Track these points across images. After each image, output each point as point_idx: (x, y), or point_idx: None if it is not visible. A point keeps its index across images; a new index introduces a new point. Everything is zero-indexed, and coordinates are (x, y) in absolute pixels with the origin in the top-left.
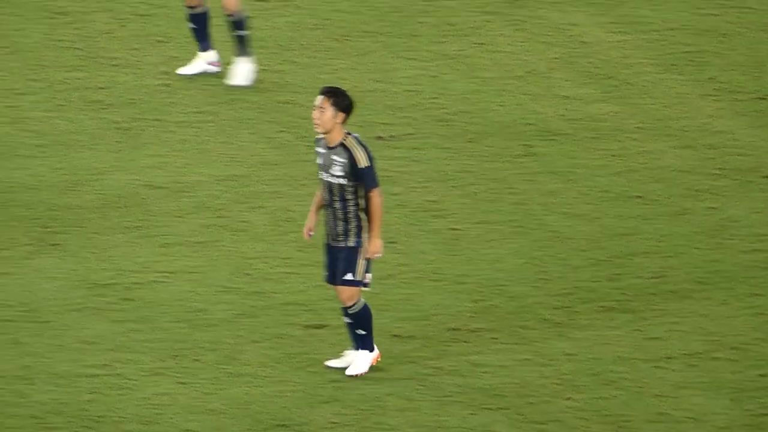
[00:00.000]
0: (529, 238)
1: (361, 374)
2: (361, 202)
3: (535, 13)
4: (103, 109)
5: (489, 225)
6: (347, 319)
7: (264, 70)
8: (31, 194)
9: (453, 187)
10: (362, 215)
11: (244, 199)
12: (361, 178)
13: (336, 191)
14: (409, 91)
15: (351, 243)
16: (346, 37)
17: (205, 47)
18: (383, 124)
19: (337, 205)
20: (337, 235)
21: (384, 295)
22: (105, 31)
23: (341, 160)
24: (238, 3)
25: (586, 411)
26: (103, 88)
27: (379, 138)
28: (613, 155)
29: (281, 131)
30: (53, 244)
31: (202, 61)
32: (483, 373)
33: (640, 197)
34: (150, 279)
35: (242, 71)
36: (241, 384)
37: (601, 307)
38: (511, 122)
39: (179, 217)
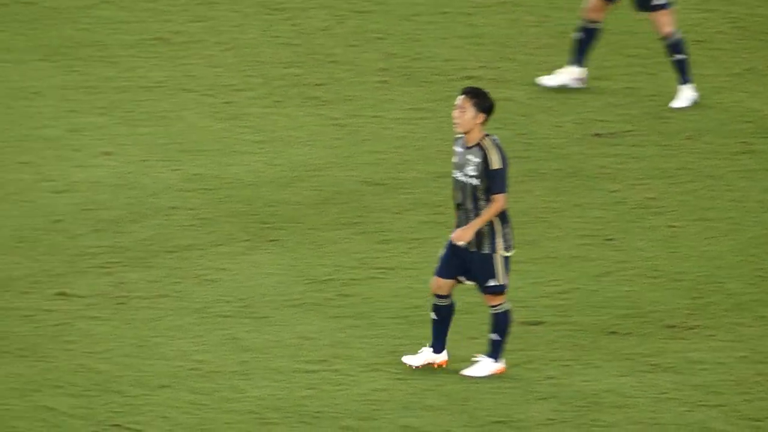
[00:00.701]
0: (747, 235)
1: (476, 377)
2: None
3: (753, 10)
4: (320, 105)
5: (707, 222)
6: (433, 315)
7: (482, 66)
8: (250, 190)
9: (671, 184)
10: (494, 219)
11: None
12: (491, 180)
13: (468, 191)
14: (628, 87)
15: (485, 250)
16: (564, 34)
17: (579, 61)
18: (601, 121)
19: (469, 205)
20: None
21: (602, 292)
22: (322, 28)
23: (476, 159)
24: (670, 24)
25: None
26: (320, 85)
27: (597, 135)
28: None
29: (498, 128)
30: (271, 240)
31: (568, 75)
32: (700, 370)
33: None
34: (367, 275)
35: (685, 96)
36: (459, 380)
37: None
38: (729, 119)
39: (397, 213)
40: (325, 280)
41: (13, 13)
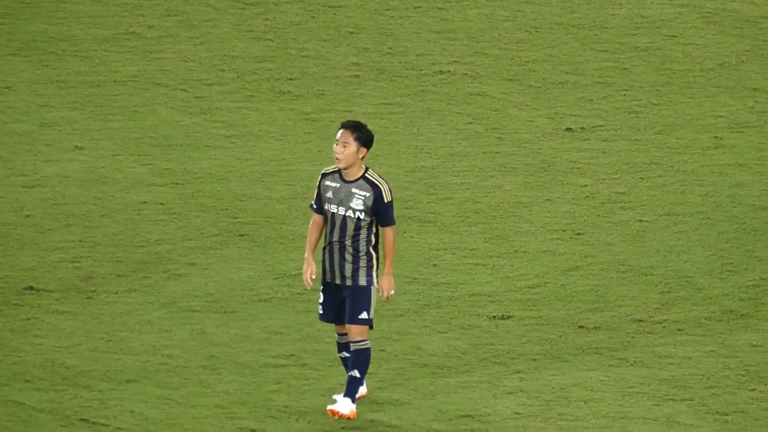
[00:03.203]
0: (717, 230)
1: (344, 413)
2: (373, 238)
3: (726, 5)
4: (292, 100)
5: (676, 217)
6: (347, 354)
7: (455, 61)
8: (220, 185)
9: (641, 179)
10: (373, 252)
11: (432, 191)
12: (384, 213)
13: (350, 226)
14: (599, 83)
15: (362, 282)
16: (537, 29)
17: None
18: (573, 115)
19: (347, 241)
20: (344, 275)
21: (571, 286)
22: (295, 22)
23: (363, 193)
24: None
25: None
26: (292, 79)
27: (569, 129)
28: None
29: (470, 123)
30: (241, 235)
31: None
32: (668, 364)
33: None
34: None
35: None
36: (426, 374)
37: None
38: (700, 114)
39: None
40: (294, 275)
41: None
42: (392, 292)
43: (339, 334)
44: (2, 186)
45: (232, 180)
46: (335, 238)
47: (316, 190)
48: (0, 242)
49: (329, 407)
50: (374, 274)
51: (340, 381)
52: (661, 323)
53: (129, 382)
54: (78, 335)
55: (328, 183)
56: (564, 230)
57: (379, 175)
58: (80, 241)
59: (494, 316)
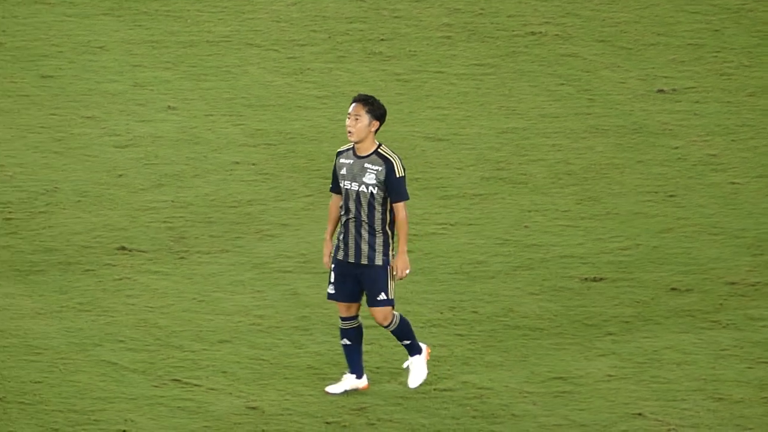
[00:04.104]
0: None
1: (424, 381)
2: (388, 215)
3: None
4: (384, 60)
5: None
6: (348, 342)
7: (546, 22)
8: (312, 145)
9: (733, 140)
10: (388, 230)
11: (523, 152)
12: (396, 188)
13: (364, 201)
14: (690, 44)
15: (378, 261)
16: None
17: None
18: (665, 77)
19: (363, 217)
20: (360, 253)
21: (663, 249)
22: None
23: (376, 167)
24: None
25: None
26: (384, 40)
27: (660, 91)
28: None
29: (562, 84)
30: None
31: None
32: (761, 327)
33: None
34: (429, 231)
35: None
36: (519, 336)
37: None
38: None
39: (459, 169)
40: None
41: None
42: (407, 272)
43: (343, 319)
44: (95, 146)
45: (323, 141)
46: (351, 214)
47: (332, 170)
48: (93, 202)
49: (411, 385)
50: (390, 253)
51: (433, 343)
52: (753, 286)
53: (221, 343)
54: (170, 296)
55: (342, 160)
56: (656, 192)
57: (392, 150)
58: (172, 201)
59: (586, 278)
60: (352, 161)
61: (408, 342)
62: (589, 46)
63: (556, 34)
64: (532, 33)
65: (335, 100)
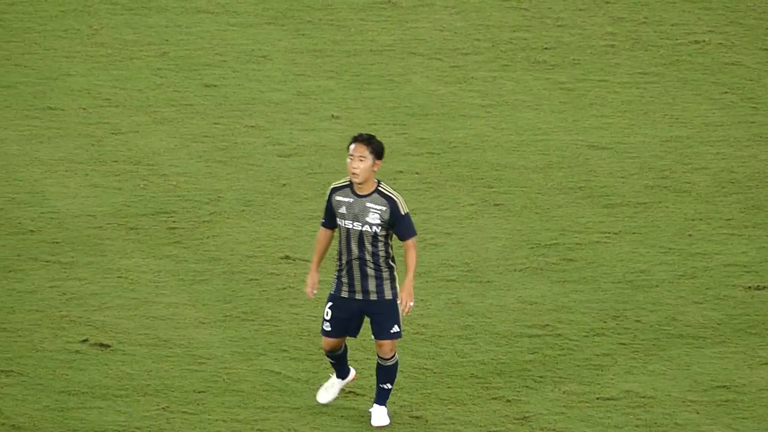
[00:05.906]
0: None
1: (384, 425)
2: (390, 250)
3: None
4: (548, 69)
5: None
6: (330, 361)
7: (710, 31)
8: (476, 154)
9: None
10: (392, 263)
11: (687, 160)
12: (404, 225)
13: (367, 241)
14: None
15: (388, 295)
16: None
17: None
18: None
19: (367, 256)
20: (367, 290)
21: None
22: None
23: (380, 207)
24: None
25: None
26: (548, 49)
27: None
28: None
29: (726, 92)
30: (496, 204)
31: None
32: None
33: None
34: (592, 239)
35: None
36: (682, 345)
37: None
38: None
39: (622, 177)
40: (549, 245)
41: None
42: (411, 304)
43: (329, 354)
44: (259, 155)
45: (487, 149)
46: (354, 255)
47: (325, 205)
48: (257, 211)
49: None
50: (397, 285)
51: (596, 352)
52: None
53: None
54: None
55: (339, 198)
56: None
57: (392, 188)
58: None
59: (750, 287)
60: (351, 200)
61: (387, 387)
62: (752, 55)
63: (720, 43)
64: (696, 42)
65: (499, 109)
